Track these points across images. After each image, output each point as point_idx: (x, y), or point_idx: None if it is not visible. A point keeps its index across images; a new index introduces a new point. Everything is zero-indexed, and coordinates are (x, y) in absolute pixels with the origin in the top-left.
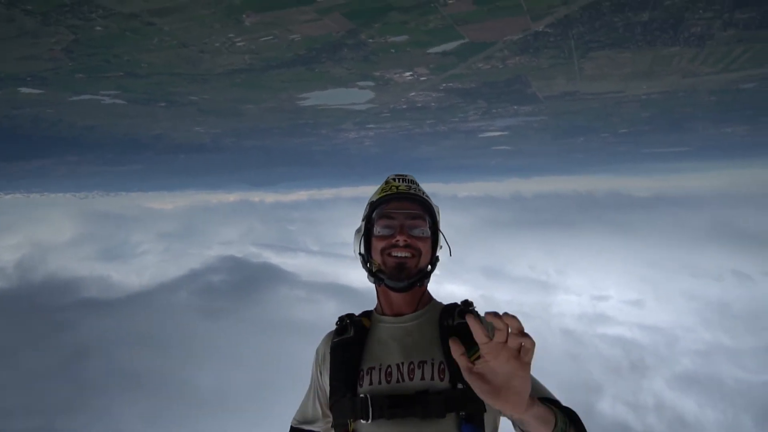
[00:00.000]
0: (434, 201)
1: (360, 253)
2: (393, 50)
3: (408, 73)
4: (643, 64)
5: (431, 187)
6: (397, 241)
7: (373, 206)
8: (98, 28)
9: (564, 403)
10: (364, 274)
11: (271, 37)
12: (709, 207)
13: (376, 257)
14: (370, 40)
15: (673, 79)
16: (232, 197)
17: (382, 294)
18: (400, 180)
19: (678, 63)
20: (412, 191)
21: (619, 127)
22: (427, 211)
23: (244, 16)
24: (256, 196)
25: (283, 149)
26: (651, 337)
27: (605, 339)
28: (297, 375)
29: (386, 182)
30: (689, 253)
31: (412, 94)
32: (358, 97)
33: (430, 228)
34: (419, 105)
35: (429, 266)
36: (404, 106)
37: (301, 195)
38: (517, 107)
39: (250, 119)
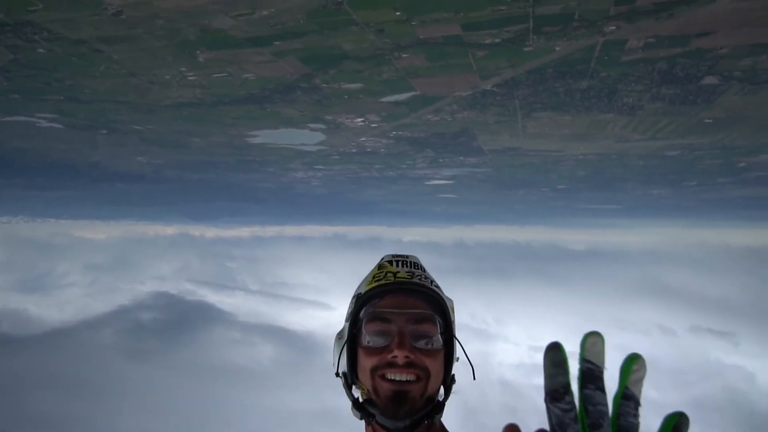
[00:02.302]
0: (439, 284)
1: (342, 372)
2: (346, 96)
3: (359, 119)
4: (581, 127)
5: (377, 231)
6: (395, 357)
7: (360, 301)
8: (41, 50)
9: None
10: (305, 316)
11: (224, 74)
12: (636, 262)
13: (365, 379)
14: (324, 85)
15: (607, 142)
16: (170, 230)
17: None
18: (399, 264)
19: (612, 129)
20: (416, 280)
21: (558, 183)
22: (437, 310)
23: (198, 51)
24: (196, 230)
25: (228, 184)
26: None
27: (542, 390)
28: (227, 423)
29: (379, 266)
30: (619, 306)
31: (363, 139)
32: (308, 138)
33: (442, 334)
34: (369, 150)
35: (442, 392)
36: (354, 150)
37: (243, 231)
38: (463, 158)
39: (196, 152)
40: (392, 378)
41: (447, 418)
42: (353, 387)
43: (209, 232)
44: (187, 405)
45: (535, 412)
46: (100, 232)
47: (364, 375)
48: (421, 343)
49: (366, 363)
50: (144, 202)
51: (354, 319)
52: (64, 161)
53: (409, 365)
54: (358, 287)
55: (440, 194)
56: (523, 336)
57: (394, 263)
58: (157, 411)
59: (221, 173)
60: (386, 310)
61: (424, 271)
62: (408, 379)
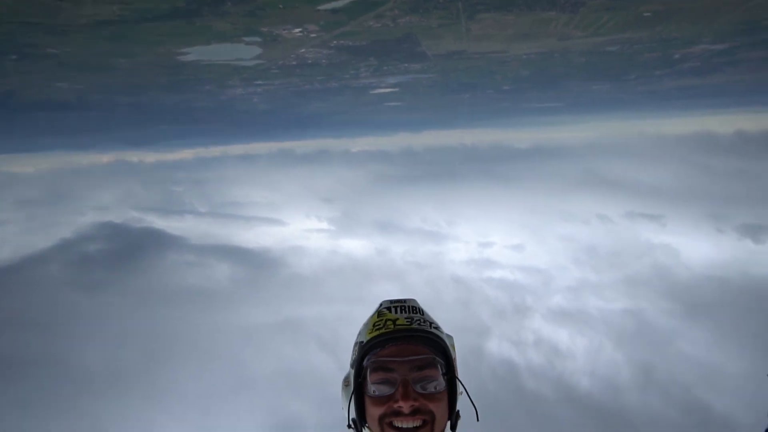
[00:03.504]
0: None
1: (352, 419)
2: (281, 5)
3: (297, 30)
4: (524, 26)
5: (324, 144)
6: (401, 407)
7: (363, 350)
8: None
9: (456, 347)
10: (259, 233)
11: None
12: (578, 157)
13: (373, 426)
14: None
15: (550, 41)
16: (105, 158)
17: None
18: (398, 310)
19: (554, 27)
20: (415, 326)
21: (502, 85)
22: (438, 352)
23: None
24: (135, 156)
25: (163, 106)
26: (530, 277)
27: (491, 282)
28: (191, 344)
29: (379, 313)
30: (562, 199)
31: (302, 50)
32: (244, 53)
33: (444, 375)
34: (309, 62)
35: (450, 429)
36: (294, 63)
37: (186, 154)
38: (408, 65)
39: (123, 75)
40: (400, 426)
41: None
42: None
43: (149, 157)
44: (150, 330)
45: (484, 304)
46: (28, 166)
47: (372, 422)
48: (425, 389)
49: (373, 412)
50: (72, 130)
51: (358, 368)
52: None
53: (414, 412)
54: (359, 334)
55: (386, 103)
56: (472, 234)
57: (393, 309)
58: (120, 338)
59: (154, 95)
60: (388, 359)
61: (423, 313)
62: (415, 425)
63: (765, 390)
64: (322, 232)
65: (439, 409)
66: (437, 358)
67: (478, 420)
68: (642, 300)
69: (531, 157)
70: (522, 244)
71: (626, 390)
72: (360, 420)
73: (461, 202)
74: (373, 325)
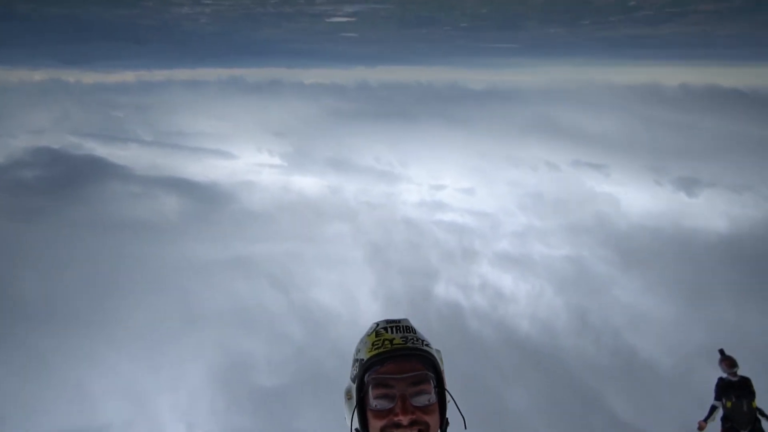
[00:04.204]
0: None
1: (355, 429)
2: None
3: None
4: None
5: (276, 73)
6: (400, 420)
7: (363, 367)
8: None
9: (405, 288)
10: (207, 166)
11: None
12: (531, 101)
13: None
14: None
15: None
16: (37, 75)
17: None
18: (393, 330)
19: None
20: (410, 344)
21: (460, 21)
22: (430, 367)
23: None
24: (71, 76)
25: (101, 21)
26: (479, 221)
27: (441, 225)
28: (137, 278)
29: (376, 333)
30: (512, 144)
31: None
32: None
33: (435, 388)
34: None
35: None
36: None
37: (127, 76)
38: None
39: None
40: None
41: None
42: None
43: (86, 77)
44: (93, 262)
45: (434, 246)
46: None
47: None
48: (420, 401)
49: (375, 424)
50: None
51: (360, 383)
52: None
53: (412, 423)
54: (357, 352)
55: (342, 33)
56: (425, 176)
57: (389, 330)
58: (60, 270)
59: (91, 8)
60: (387, 376)
61: (416, 333)
62: None
63: (685, 335)
64: (273, 168)
65: (433, 419)
66: (429, 374)
67: (465, 428)
68: (582, 247)
69: (485, 99)
70: (473, 188)
71: (562, 333)
72: (363, 430)
73: (415, 143)
74: (372, 345)
